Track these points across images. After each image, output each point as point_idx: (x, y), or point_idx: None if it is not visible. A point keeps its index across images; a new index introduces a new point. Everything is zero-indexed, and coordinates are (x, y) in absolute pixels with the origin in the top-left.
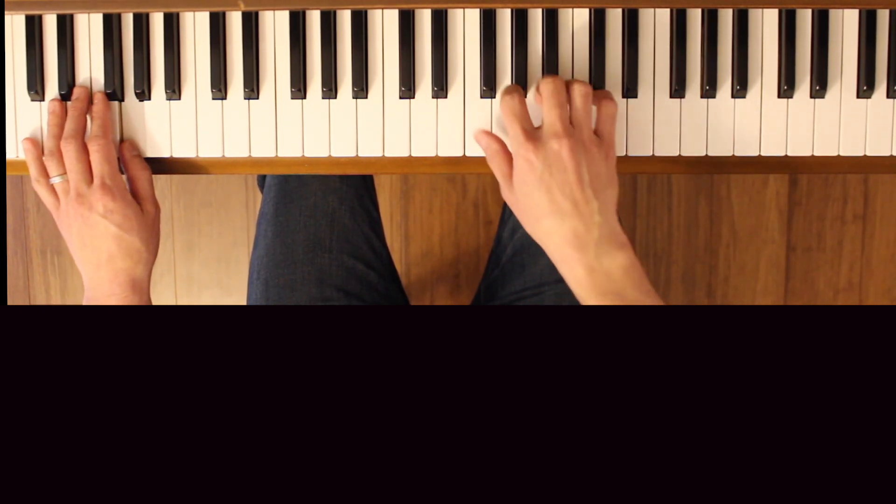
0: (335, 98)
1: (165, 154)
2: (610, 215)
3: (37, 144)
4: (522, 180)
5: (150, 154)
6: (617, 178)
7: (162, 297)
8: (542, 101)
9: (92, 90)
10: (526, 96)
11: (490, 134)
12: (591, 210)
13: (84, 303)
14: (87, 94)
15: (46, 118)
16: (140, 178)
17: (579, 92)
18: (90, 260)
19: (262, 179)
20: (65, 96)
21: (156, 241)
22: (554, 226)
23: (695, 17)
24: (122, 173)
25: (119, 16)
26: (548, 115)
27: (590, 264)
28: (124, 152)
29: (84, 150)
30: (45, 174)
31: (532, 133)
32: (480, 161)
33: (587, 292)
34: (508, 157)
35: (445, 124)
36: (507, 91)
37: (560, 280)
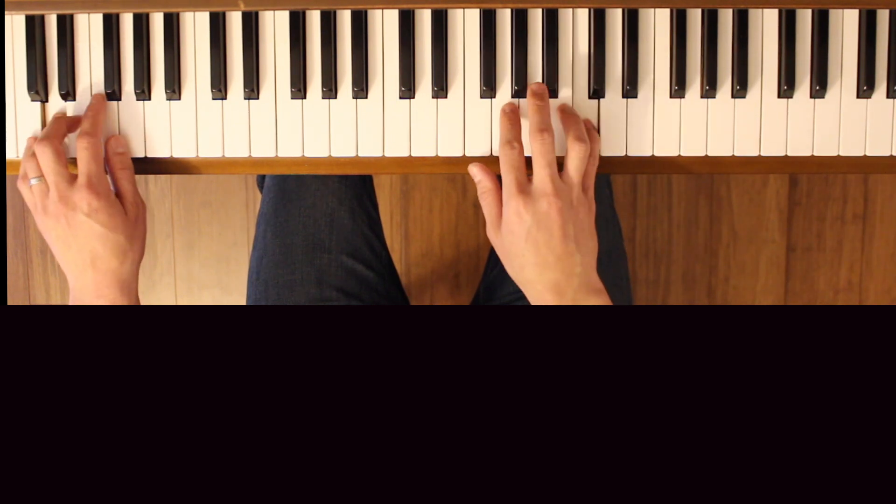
0: (335, 98)
1: (165, 154)
2: (589, 266)
3: None
4: (510, 230)
5: (150, 154)
6: (595, 230)
7: (162, 297)
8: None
9: (91, 92)
10: (525, 97)
11: (485, 170)
12: (574, 263)
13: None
14: (72, 120)
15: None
16: (122, 177)
17: (578, 154)
18: (76, 262)
19: (261, 179)
20: (65, 97)
21: (141, 240)
22: (536, 275)
23: (695, 17)
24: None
25: (119, 16)
26: (538, 173)
27: None
28: (108, 149)
29: (59, 152)
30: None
31: (525, 187)
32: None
33: None
34: (499, 199)
35: (445, 124)
36: (508, 141)
37: None
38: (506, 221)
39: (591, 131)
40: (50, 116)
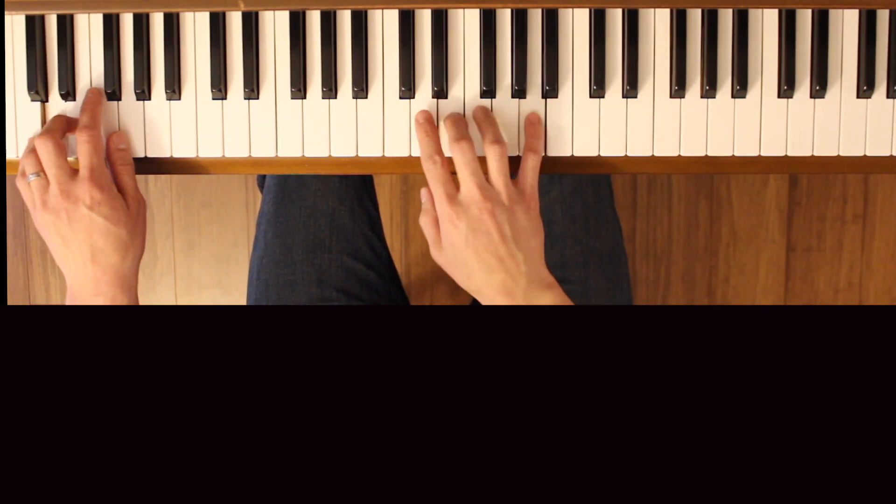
0: (335, 98)
1: (165, 154)
2: (535, 263)
3: None
4: (450, 242)
5: (150, 154)
6: (542, 225)
7: (162, 297)
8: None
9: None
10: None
11: (430, 194)
12: (517, 262)
13: (67, 303)
14: (72, 120)
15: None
16: (123, 172)
17: (493, 155)
18: (76, 258)
19: (261, 179)
20: (66, 97)
21: (142, 236)
22: (483, 280)
23: (695, 17)
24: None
25: (119, 16)
26: (464, 183)
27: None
28: (110, 144)
29: (60, 146)
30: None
31: (454, 198)
32: (480, 161)
33: None
34: (437, 218)
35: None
36: (429, 156)
37: (559, 280)
38: (444, 235)
39: (535, 126)
40: (50, 116)
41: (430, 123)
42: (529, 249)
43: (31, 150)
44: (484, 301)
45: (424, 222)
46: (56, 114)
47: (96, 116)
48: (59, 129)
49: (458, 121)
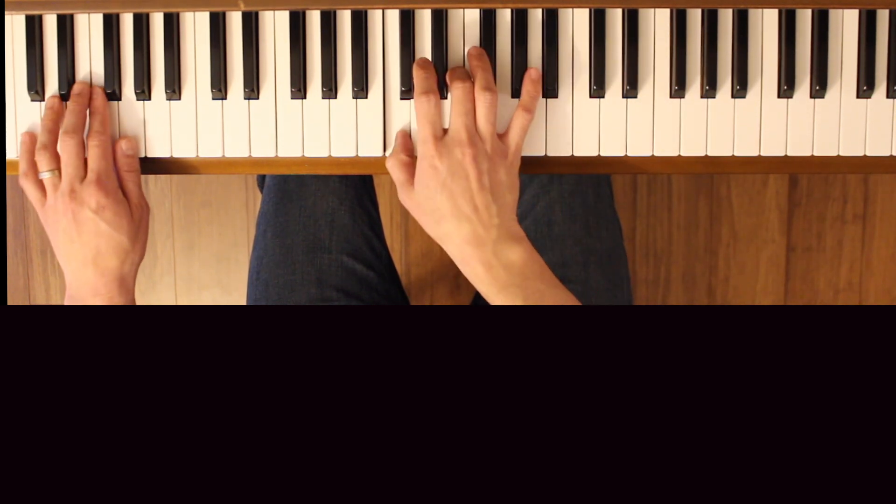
0: (335, 98)
1: (165, 154)
2: (508, 216)
3: (34, 139)
4: (425, 184)
5: (150, 154)
6: (518, 182)
7: (162, 297)
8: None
9: (92, 85)
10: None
11: (407, 137)
12: (490, 214)
13: (66, 302)
14: (88, 90)
15: (44, 114)
16: (129, 178)
17: (483, 102)
18: (76, 257)
19: (261, 179)
20: (64, 96)
21: (143, 241)
22: (454, 228)
23: (695, 17)
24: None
25: (119, 16)
26: (454, 122)
27: (488, 260)
28: (117, 150)
29: (82, 145)
30: (36, 169)
31: (440, 139)
32: None
33: (488, 287)
34: (408, 162)
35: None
36: (424, 92)
37: (559, 280)
38: (420, 176)
39: (534, 84)
40: None
41: (429, 63)
42: (504, 203)
43: (47, 147)
44: (450, 248)
45: (392, 164)
46: (68, 106)
47: (106, 121)
48: (81, 127)
49: (461, 68)
